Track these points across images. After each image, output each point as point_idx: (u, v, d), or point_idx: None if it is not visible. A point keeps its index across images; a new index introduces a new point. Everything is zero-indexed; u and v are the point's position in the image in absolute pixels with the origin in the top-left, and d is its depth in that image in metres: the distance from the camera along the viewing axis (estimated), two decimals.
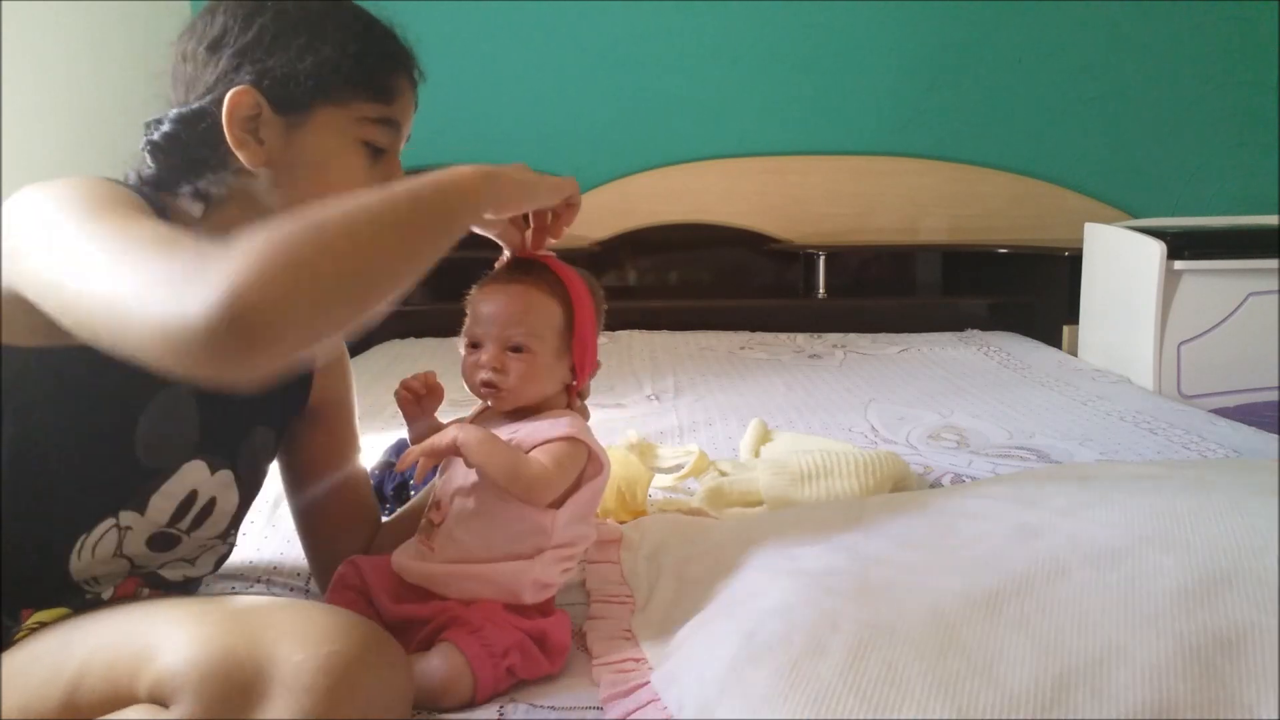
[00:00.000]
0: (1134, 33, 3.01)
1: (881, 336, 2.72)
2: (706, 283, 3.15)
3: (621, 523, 1.23)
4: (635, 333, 2.76)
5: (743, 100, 3.05)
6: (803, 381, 2.19)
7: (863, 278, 3.10)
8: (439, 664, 0.82)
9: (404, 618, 0.90)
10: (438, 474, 0.99)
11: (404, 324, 2.83)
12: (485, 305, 0.95)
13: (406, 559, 0.94)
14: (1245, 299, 2.26)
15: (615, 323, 2.34)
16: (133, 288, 0.62)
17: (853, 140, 3.06)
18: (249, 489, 0.95)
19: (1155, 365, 2.24)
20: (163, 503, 0.84)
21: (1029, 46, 3.02)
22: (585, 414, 1.01)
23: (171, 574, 0.89)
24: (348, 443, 1.08)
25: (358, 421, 1.11)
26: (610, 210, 2.99)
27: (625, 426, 1.74)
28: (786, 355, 2.50)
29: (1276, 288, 2.24)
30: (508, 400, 0.95)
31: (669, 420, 1.84)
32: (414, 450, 0.89)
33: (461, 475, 0.92)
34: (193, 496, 0.87)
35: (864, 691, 0.68)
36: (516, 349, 0.93)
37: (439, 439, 0.88)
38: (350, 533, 1.07)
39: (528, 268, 0.96)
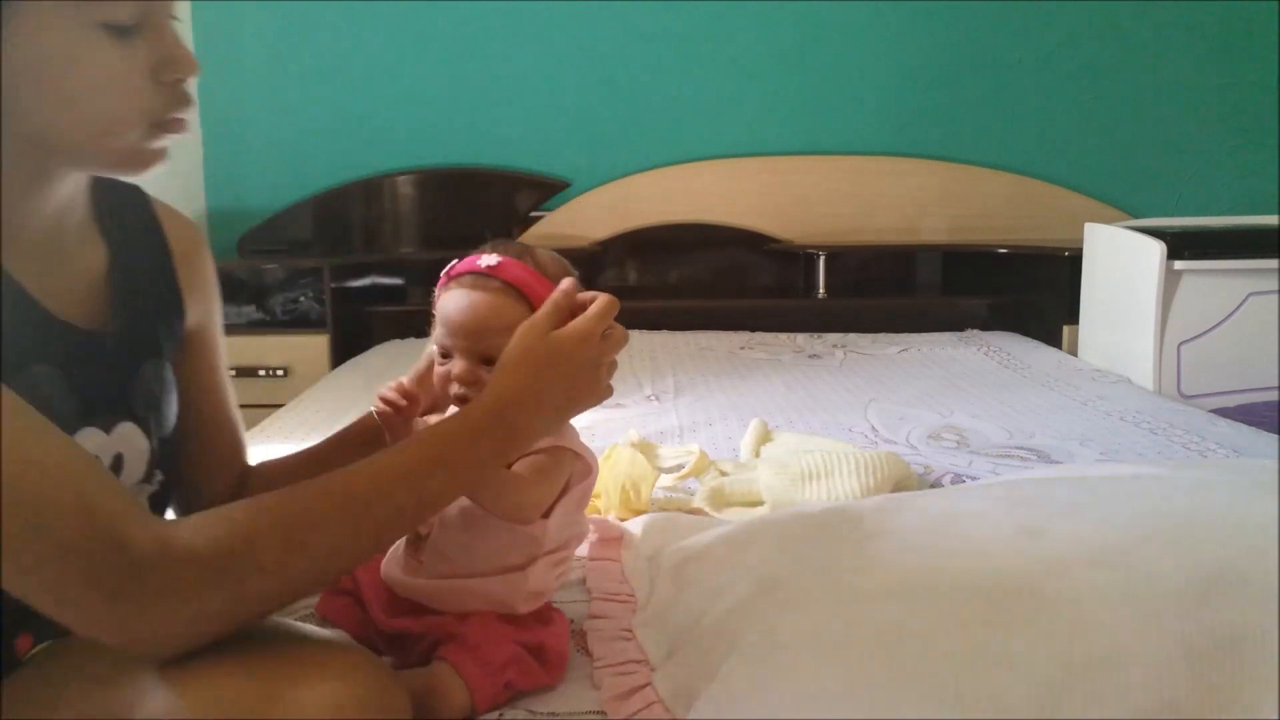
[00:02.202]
0: (1134, 33, 3.00)
1: (881, 336, 2.71)
2: (706, 283, 3.15)
3: (622, 520, 1.23)
4: (635, 333, 2.74)
5: (743, 100, 3.04)
6: (803, 381, 2.19)
7: (863, 278, 3.10)
8: (436, 685, 0.80)
9: (399, 631, 0.88)
10: None
11: (404, 324, 2.83)
12: (453, 314, 0.87)
13: (396, 572, 0.91)
14: (1245, 299, 2.26)
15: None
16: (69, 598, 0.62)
17: (853, 140, 3.06)
18: (159, 425, 0.87)
19: (1155, 365, 2.24)
20: None
21: (1029, 46, 3.02)
22: None
23: None
24: (213, 376, 0.99)
25: (228, 371, 1.02)
26: (609, 210, 2.99)
27: (625, 426, 1.74)
28: (786, 355, 2.50)
29: (1276, 288, 2.24)
30: None
31: (669, 420, 1.84)
32: None
33: None
34: None
35: (864, 691, 0.68)
36: (489, 360, 0.85)
37: None
38: (214, 474, 0.99)
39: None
